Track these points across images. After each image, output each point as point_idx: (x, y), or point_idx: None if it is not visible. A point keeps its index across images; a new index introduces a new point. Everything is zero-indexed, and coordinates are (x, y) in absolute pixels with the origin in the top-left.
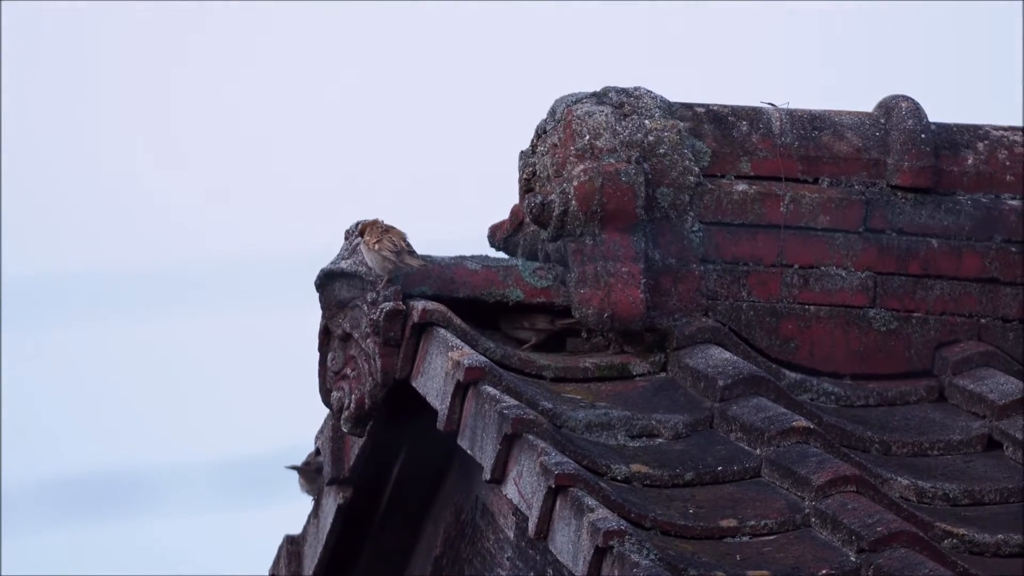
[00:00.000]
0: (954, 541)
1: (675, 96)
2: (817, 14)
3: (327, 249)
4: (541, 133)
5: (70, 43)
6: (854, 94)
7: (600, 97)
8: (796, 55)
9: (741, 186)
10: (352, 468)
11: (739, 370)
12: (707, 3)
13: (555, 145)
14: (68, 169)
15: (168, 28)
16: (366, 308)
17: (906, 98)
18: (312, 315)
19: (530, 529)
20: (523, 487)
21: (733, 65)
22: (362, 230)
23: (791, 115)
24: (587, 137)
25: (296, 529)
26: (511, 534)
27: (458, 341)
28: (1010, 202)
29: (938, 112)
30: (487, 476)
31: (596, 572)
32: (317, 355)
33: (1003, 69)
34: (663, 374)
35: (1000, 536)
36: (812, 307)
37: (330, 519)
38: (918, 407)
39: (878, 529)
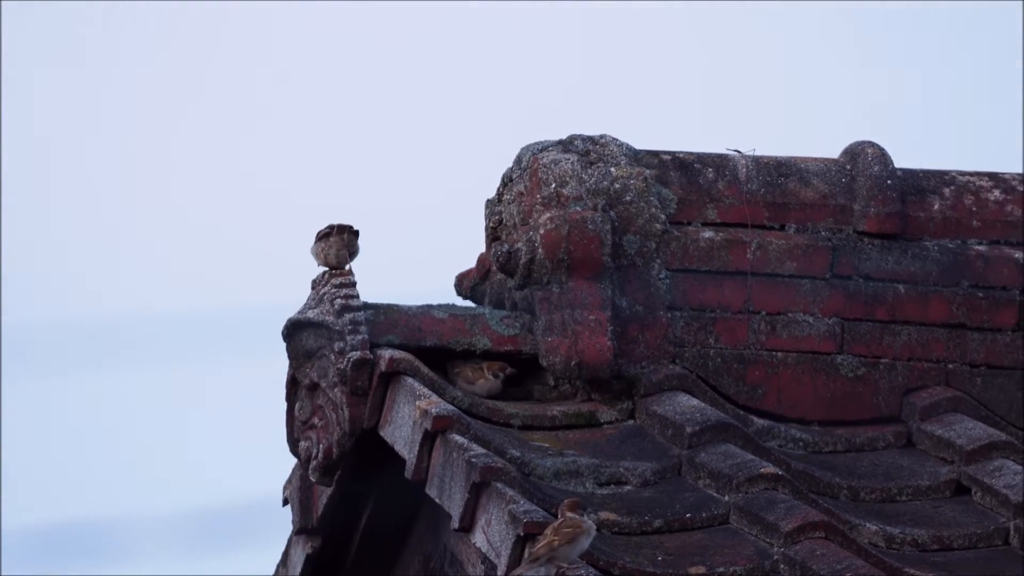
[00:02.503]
0: None
1: (641, 143)
2: (782, 60)
3: (294, 299)
4: (507, 181)
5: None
6: (820, 140)
7: (566, 145)
8: (762, 101)
9: (708, 233)
10: (320, 517)
11: (707, 417)
12: (673, 49)
13: (521, 193)
14: (29, 219)
15: (125, 85)
16: (333, 357)
17: (872, 144)
18: (280, 365)
19: None
20: (492, 535)
21: (699, 112)
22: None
23: (757, 162)
24: (553, 185)
25: None
26: None
27: (426, 390)
28: (976, 247)
29: (904, 157)
30: (456, 524)
31: None
32: (285, 405)
33: (972, 115)
34: (631, 421)
35: None
36: (779, 353)
37: (299, 569)
38: (886, 453)
39: (847, 575)
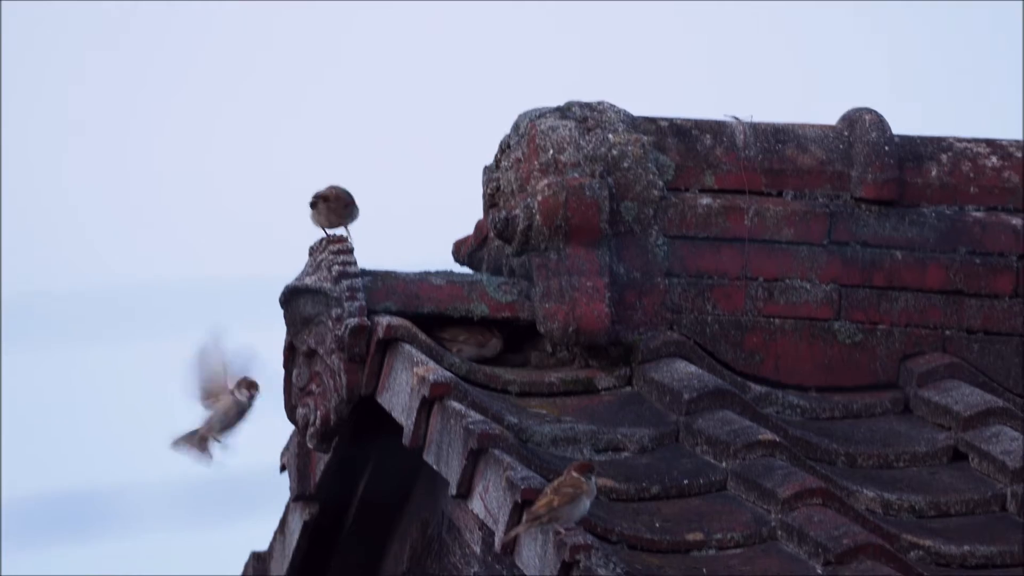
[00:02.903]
0: (920, 553)
1: (639, 110)
2: (781, 27)
3: (292, 267)
4: (505, 148)
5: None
6: (818, 107)
7: (564, 112)
8: (760, 68)
9: (705, 199)
10: (318, 484)
11: (704, 383)
12: (671, 15)
13: (519, 160)
14: (30, 188)
15: (117, 56)
16: (331, 324)
17: (870, 111)
18: (278, 332)
19: (496, 544)
20: (489, 502)
21: (697, 78)
22: (315, 201)
23: (755, 128)
24: (551, 152)
25: (262, 546)
26: (477, 549)
27: (423, 357)
28: (974, 213)
29: (902, 125)
30: (453, 491)
31: None
32: (282, 372)
33: (967, 80)
34: (628, 388)
35: (966, 547)
36: (777, 320)
37: (296, 536)
38: (883, 419)
39: (844, 541)
